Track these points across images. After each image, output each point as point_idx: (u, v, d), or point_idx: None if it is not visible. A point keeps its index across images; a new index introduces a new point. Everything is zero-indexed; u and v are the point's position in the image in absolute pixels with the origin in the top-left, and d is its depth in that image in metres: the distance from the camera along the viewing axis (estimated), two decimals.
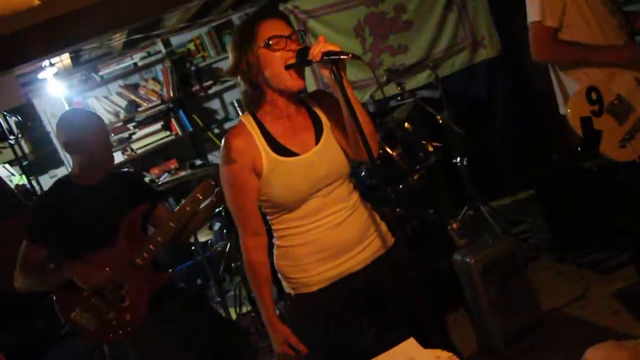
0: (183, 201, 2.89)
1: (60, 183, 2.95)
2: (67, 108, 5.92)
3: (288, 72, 2.04)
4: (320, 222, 2.14)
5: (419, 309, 2.27)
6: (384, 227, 2.29)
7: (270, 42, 2.02)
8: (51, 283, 2.84)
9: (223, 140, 2.13)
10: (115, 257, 2.83)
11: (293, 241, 2.17)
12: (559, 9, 2.81)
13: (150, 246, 2.85)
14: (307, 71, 5.39)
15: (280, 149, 2.10)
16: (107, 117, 6.19)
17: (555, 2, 2.80)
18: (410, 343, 1.86)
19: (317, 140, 2.14)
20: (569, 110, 2.86)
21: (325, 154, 2.13)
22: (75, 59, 5.92)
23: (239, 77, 2.11)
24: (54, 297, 2.85)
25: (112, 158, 3.00)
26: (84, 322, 2.81)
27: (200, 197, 2.82)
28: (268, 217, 2.22)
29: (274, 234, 2.23)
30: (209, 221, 2.99)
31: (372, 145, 2.04)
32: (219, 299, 3.86)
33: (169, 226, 2.86)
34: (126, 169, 6.03)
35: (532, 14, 2.86)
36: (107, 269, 2.79)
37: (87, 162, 2.87)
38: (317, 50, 1.95)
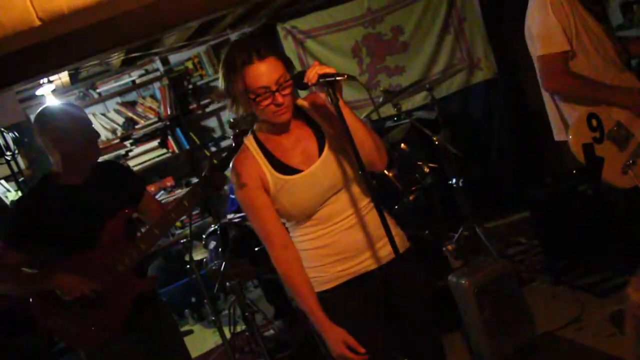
0: (169, 207, 2.83)
1: (43, 183, 2.83)
2: None
3: (275, 111, 2.06)
4: (333, 227, 2.18)
5: (424, 321, 2.28)
6: (399, 230, 2.31)
7: (257, 98, 2.02)
8: (28, 290, 2.76)
9: (230, 168, 2.19)
10: (96, 261, 2.75)
11: (308, 245, 2.21)
12: (568, 35, 2.83)
13: (134, 252, 2.78)
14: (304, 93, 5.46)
15: (284, 168, 2.14)
16: (104, 134, 6.21)
17: (562, 30, 2.82)
18: None
19: (320, 151, 2.16)
20: (570, 137, 2.87)
21: (329, 165, 2.15)
22: (73, 76, 5.94)
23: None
24: (30, 303, 2.76)
25: (97, 153, 2.90)
26: (62, 328, 2.76)
27: (187, 205, 2.73)
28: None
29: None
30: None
31: (379, 156, 2.14)
32: (213, 318, 3.84)
33: (153, 233, 2.79)
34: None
35: (541, 47, 2.87)
36: (90, 278, 2.70)
37: (69, 159, 2.76)
38: (312, 73, 1.98)
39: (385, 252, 2.21)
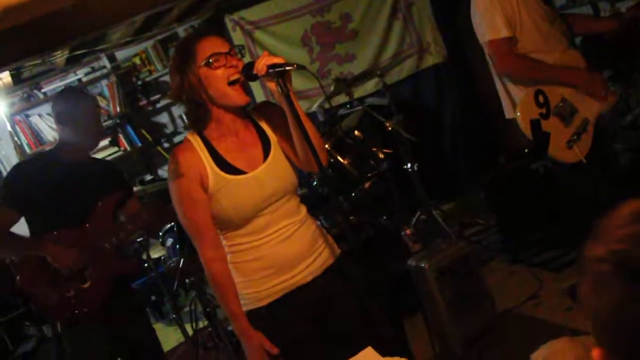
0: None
1: (42, 154, 3.05)
2: (8, 127, 5.77)
3: (232, 88, 2.04)
4: (268, 238, 2.13)
5: (373, 316, 2.26)
6: (330, 238, 2.30)
7: (211, 60, 2.02)
8: (17, 253, 2.89)
9: (170, 156, 2.11)
10: (85, 237, 2.86)
11: (242, 257, 2.15)
12: (510, 21, 2.88)
13: (121, 233, 2.93)
14: (256, 85, 5.43)
15: (227, 167, 2.08)
16: (52, 135, 6.04)
17: (506, 16, 2.86)
18: (369, 352, 1.85)
19: (265, 157, 2.13)
20: (518, 113, 2.92)
21: (273, 171, 2.12)
22: (15, 76, 5.76)
23: (182, 98, 2.09)
24: (18, 266, 2.86)
25: (97, 140, 3.07)
26: (44, 297, 2.85)
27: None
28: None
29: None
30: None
31: (321, 155, 2.05)
32: (174, 316, 3.80)
33: (141, 216, 2.98)
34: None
35: (486, 33, 2.92)
36: (80, 250, 2.81)
37: (73, 135, 2.92)
38: (261, 63, 1.95)
39: (320, 262, 2.20)
